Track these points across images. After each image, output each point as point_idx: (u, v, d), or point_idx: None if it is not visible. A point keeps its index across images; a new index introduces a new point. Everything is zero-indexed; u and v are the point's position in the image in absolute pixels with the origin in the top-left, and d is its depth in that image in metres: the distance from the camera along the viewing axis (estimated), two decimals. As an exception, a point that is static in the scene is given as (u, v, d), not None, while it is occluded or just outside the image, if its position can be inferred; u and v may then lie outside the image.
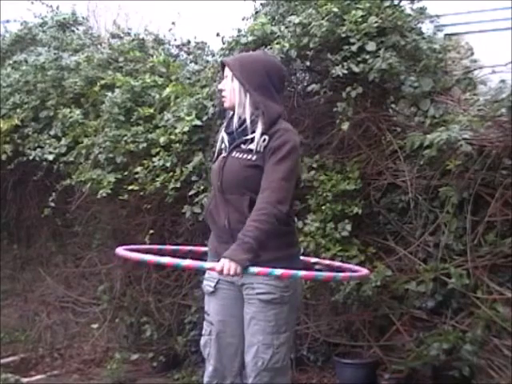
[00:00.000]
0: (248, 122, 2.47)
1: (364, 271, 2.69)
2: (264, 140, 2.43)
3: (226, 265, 2.25)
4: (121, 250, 2.49)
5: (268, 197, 2.33)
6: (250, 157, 2.45)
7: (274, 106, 2.48)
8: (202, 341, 2.61)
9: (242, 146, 2.48)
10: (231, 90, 2.52)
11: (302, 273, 2.37)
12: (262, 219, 2.30)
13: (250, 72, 2.48)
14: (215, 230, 2.56)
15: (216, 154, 2.64)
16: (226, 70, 2.56)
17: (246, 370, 2.50)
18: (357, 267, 2.87)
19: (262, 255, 2.31)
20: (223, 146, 2.59)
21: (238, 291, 2.50)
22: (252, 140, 2.46)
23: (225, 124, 2.62)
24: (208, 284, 2.58)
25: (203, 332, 2.61)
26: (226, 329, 2.51)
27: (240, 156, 2.47)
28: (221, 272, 2.27)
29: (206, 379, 2.60)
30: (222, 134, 2.59)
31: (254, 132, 2.46)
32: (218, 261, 2.31)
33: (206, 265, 2.45)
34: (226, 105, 2.57)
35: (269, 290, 2.43)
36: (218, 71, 4.20)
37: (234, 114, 2.56)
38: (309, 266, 2.75)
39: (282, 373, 2.51)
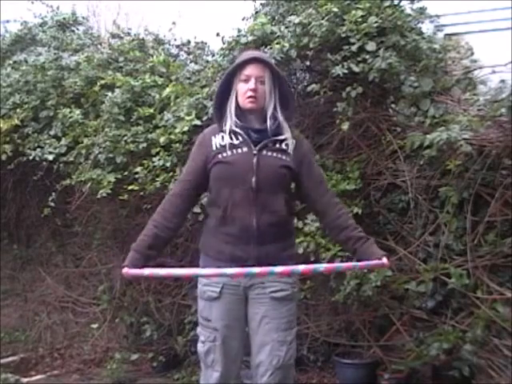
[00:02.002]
0: (282, 123, 2.49)
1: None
2: (292, 143, 2.50)
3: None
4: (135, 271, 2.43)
5: (340, 202, 2.61)
6: (284, 157, 2.48)
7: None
8: (203, 348, 2.53)
9: (270, 145, 2.47)
10: (268, 90, 2.46)
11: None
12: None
13: (281, 73, 2.52)
14: (232, 231, 2.44)
15: (227, 149, 2.47)
16: (258, 69, 2.46)
17: (258, 370, 2.49)
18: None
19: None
20: (236, 142, 2.47)
21: (243, 293, 2.49)
22: (282, 141, 2.48)
23: (233, 119, 2.47)
24: (211, 290, 2.50)
25: (202, 339, 2.54)
26: (231, 333, 2.49)
27: (274, 155, 2.46)
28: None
29: None
30: (236, 130, 2.47)
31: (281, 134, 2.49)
32: (237, 265, 2.32)
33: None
34: (254, 106, 2.47)
35: (282, 287, 2.46)
36: (218, 71, 4.21)
37: (247, 113, 2.49)
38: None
39: (291, 369, 2.55)
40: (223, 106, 2.52)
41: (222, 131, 2.50)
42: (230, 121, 2.49)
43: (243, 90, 2.46)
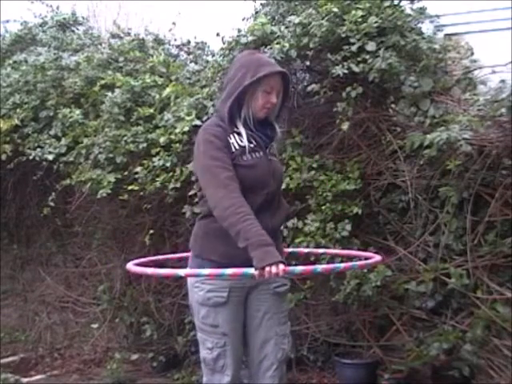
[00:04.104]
0: (278, 129, 2.56)
1: (376, 257, 2.54)
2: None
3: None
4: (135, 268, 2.41)
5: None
6: (278, 159, 2.61)
7: None
8: (212, 354, 2.46)
9: (271, 150, 2.55)
10: (278, 103, 2.50)
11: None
12: None
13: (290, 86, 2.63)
14: None
15: (246, 151, 2.43)
16: (279, 83, 2.45)
17: (262, 364, 2.50)
18: (366, 254, 2.80)
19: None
20: (251, 145, 2.44)
21: (245, 295, 2.49)
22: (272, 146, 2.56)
23: (251, 122, 2.45)
24: (218, 295, 2.42)
25: (209, 346, 2.45)
26: (237, 335, 2.49)
27: (275, 159, 2.55)
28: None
29: None
30: (250, 133, 2.44)
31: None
32: (250, 266, 2.16)
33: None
34: (265, 116, 2.49)
35: (283, 281, 2.53)
36: (218, 71, 4.21)
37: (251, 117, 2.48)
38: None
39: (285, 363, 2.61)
40: (235, 107, 2.44)
41: (235, 132, 2.43)
42: (250, 123, 2.44)
43: (264, 100, 2.42)
